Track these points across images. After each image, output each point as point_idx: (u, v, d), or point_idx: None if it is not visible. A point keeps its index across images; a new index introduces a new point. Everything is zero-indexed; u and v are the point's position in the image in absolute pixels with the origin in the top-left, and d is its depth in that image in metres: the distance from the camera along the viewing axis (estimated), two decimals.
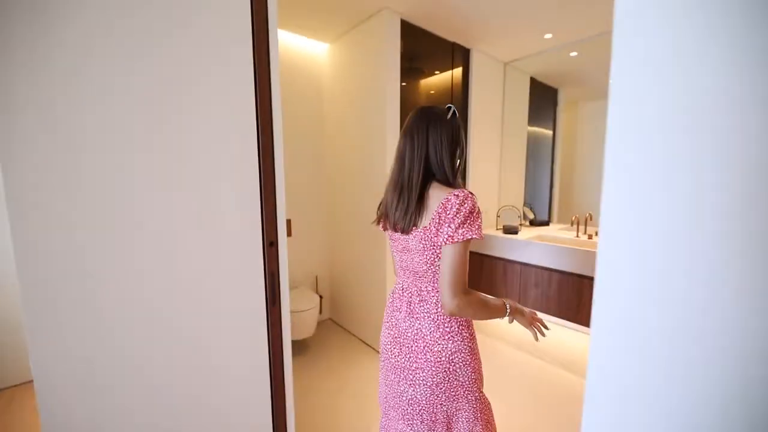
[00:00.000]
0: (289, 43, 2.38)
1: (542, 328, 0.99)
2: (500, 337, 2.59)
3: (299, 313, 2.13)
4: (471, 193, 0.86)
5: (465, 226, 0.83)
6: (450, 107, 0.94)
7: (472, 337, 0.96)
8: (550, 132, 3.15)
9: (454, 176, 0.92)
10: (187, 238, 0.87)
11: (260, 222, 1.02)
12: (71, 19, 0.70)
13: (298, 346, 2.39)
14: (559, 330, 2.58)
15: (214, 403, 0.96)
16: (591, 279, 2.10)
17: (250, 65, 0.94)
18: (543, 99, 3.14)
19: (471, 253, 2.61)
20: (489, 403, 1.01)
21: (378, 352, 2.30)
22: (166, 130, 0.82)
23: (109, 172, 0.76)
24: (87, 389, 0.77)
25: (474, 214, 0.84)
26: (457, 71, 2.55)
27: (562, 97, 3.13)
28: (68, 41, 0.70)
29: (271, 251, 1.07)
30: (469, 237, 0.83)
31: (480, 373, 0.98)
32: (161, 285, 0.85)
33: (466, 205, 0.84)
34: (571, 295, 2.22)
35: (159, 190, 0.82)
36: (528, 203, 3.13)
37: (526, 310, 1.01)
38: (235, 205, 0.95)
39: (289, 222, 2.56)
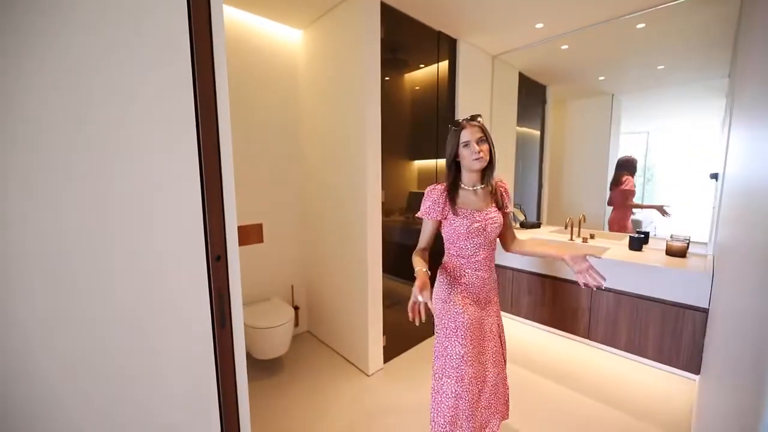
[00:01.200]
0: (260, 27, 2.15)
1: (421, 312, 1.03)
2: None
3: (270, 329, 1.90)
4: (434, 185, 1.24)
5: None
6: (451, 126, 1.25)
7: (451, 287, 1.24)
8: (538, 131, 3.04)
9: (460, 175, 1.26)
10: (85, 259, 0.65)
11: (203, 233, 0.80)
12: None
13: (271, 366, 2.14)
14: (548, 339, 2.44)
15: None
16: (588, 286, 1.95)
17: (184, 22, 0.72)
18: (532, 97, 3.01)
19: None
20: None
21: (361, 370, 2.10)
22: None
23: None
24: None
25: (424, 199, 1.25)
26: (443, 65, 2.38)
27: (550, 95, 3.02)
28: None
29: (218, 267, 0.85)
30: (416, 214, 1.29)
31: (453, 318, 1.21)
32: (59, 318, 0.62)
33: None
34: (568, 304, 2.07)
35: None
36: (518, 204, 3.00)
37: (416, 287, 1.02)
38: (165, 213, 0.73)
39: (260, 226, 2.34)
